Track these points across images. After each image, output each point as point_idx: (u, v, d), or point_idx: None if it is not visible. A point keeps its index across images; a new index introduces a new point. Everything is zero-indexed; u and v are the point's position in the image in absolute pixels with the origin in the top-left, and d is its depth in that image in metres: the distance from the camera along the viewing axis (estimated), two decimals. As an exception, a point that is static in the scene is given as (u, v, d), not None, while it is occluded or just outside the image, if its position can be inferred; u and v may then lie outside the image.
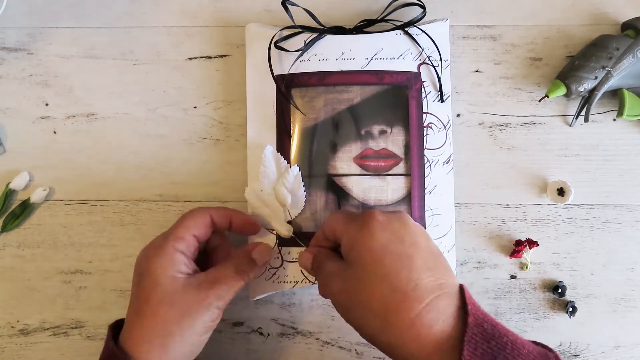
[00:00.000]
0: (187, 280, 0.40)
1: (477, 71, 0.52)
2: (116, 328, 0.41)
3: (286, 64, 0.49)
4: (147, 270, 0.40)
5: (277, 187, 0.48)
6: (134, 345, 0.38)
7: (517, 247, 0.49)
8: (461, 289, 0.36)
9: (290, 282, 0.48)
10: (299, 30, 0.49)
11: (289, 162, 0.49)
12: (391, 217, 0.39)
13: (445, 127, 0.49)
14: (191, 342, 0.39)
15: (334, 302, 0.39)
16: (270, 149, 0.48)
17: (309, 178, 0.49)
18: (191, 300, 0.39)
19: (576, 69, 0.48)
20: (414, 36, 0.49)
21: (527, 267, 0.50)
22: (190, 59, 0.53)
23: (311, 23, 0.50)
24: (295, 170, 0.48)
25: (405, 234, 0.37)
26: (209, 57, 0.53)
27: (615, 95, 0.50)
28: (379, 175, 0.49)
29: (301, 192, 0.48)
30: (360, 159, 0.49)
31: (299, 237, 0.48)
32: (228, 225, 0.45)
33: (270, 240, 0.49)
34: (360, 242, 0.37)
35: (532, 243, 0.49)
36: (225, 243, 0.47)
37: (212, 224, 0.44)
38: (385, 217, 0.39)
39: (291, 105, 0.49)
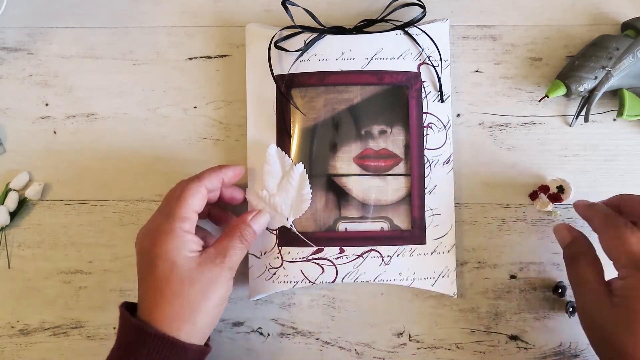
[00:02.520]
0: (201, 258, 0.42)
1: (477, 71, 0.52)
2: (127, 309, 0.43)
3: (286, 64, 0.49)
4: (161, 254, 0.41)
5: (281, 186, 0.48)
6: (165, 325, 0.40)
7: (540, 190, 0.50)
8: None
9: (290, 282, 0.48)
10: (299, 30, 0.49)
11: (289, 162, 0.49)
12: None
13: (445, 127, 0.50)
14: (214, 313, 0.42)
15: (582, 315, 0.41)
16: (274, 147, 0.48)
17: (309, 178, 0.49)
18: (210, 276, 0.41)
19: (576, 69, 0.48)
20: (414, 36, 0.49)
21: (556, 214, 0.51)
22: (190, 59, 0.53)
23: (311, 23, 0.50)
24: (300, 168, 0.48)
25: None
26: (209, 57, 0.53)
27: (615, 95, 0.50)
28: (379, 175, 0.49)
29: (306, 190, 0.48)
30: (360, 159, 0.49)
31: (298, 237, 0.48)
32: (219, 191, 0.47)
33: (270, 240, 0.49)
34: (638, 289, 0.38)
35: (556, 198, 0.50)
36: (219, 210, 0.49)
37: (207, 191, 0.45)
38: None
39: (291, 105, 0.49)
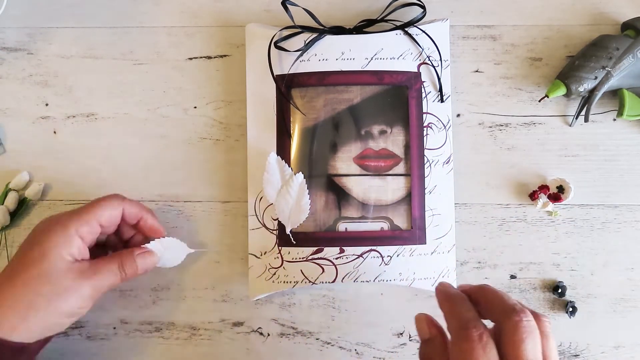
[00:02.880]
0: (72, 265, 0.41)
1: (477, 71, 0.52)
2: None
3: (286, 64, 0.49)
4: (41, 242, 0.41)
5: (280, 196, 0.48)
6: None
7: (540, 190, 0.50)
8: None
9: (290, 282, 0.48)
10: (299, 30, 0.49)
11: (289, 162, 0.49)
12: None
13: (445, 127, 0.50)
14: (53, 321, 0.41)
15: None
16: (275, 156, 0.48)
17: (309, 178, 0.49)
18: (68, 285, 0.40)
19: (576, 69, 0.48)
20: (414, 36, 0.49)
21: (556, 214, 0.51)
22: (190, 59, 0.53)
23: (311, 23, 0.50)
24: (299, 178, 0.48)
25: None
26: (209, 57, 0.53)
27: (615, 95, 0.50)
28: (379, 175, 0.49)
29: (305, 200, 0.48)
30: (360, 159, 0.49)
31: (299, 237, 0.48)
32: (136, 223, 0.46)
33: (270, 240, 0.49)
34: None
35: (556, 198, 0.50)
36: (119, 244, 0.48)
37: (122, 217, 0.45)
38: None
39: (291, 105, 0.49)
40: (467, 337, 0.33)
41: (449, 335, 0.35)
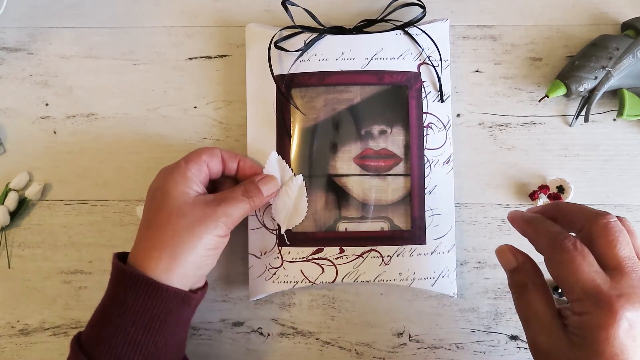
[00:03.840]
0: (197, 197, 0.42)
1: (477, 71, 0.52)
2: (121, 258, 0.43)
3: (286, 64, 0.49)
4: (161, 186, 0.42)
5: (278, 196, 0.48)
6: (142, 258, 0.40)
7: (540, 190, 0.50)
8: None
9: (290, 282, 0.48)
10: (299, 30, 0.49)
11: (289, 162, 0.49)
12: None
13: (445, 127, 0.50)
14: (200, 254, 0.41)
15: (535, 352, 0.35)
16: (275, 155, 0.48)
17: (309, 178, 0.49)
18: (200, 213, 0.41)
19: (576, 69, 0.48)
20: (414, 36, 0.49)
21: None
22: (190, 59, 0.53)
23: (311, 23, 0.50)
24: (299, 180, 0.48)
25: None
26: (209, 57, 0.53)
27: (615, 95, 0.50)
28: (379, 175, 0.49)
29: (303, 202, 0.48)
30: (361, 159, 0.49)
31: (297, 237, 0.48)
32: (235, 168, 0.46)
33: (270, 240, 0.49)
34: (600, 329, 0.31)
35: (556, 198, 0.49)
36: (232, 183, 0.48)
37: (223, 162, 0.45)
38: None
39: (291, 105, 0.49)
40: (562, 248, 0.33)
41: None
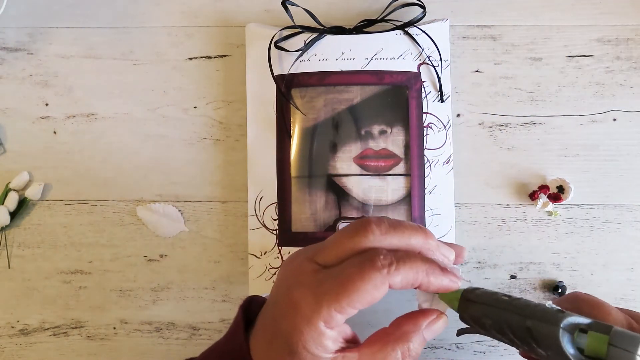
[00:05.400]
0: None
1: (477, 71, 0.52)
2: (246, 310, 0.35)
3: (286, 64, 0.49)
4: (287, 328, 0.31)
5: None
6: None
7: (540, 190, 0.50)
8: None
9: (290, 282, 0.48)
10: (299, 30, 0.49)
11: (289, 162, 0.49)
12: None
13: (445, 127, 0.50)
14: None
15: None
16: None
17: (309, 178, 0.49)
18: None
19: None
20: (414, 36, 0.49)
21: (556, 214, 0.50)
22: (190, 59, 0.53)
23: (311, 23, 0.50)
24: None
25: None
26: (209, 57, 0.53)
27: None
28: (379, 175, 0.49)
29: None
30: (360, 159, 0.49)
31: (297, 237, 0.48)
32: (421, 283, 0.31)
33: (270, 240, 0.49)
34: None
35: (556, 198, 0.49)
36: None
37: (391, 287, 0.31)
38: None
39: (291, 105, 0.49)
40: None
41: None
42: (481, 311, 0.33)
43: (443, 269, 0.31)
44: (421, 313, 0.33)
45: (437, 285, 0.31)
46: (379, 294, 0.29)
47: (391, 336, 0.31)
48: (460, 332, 0.36)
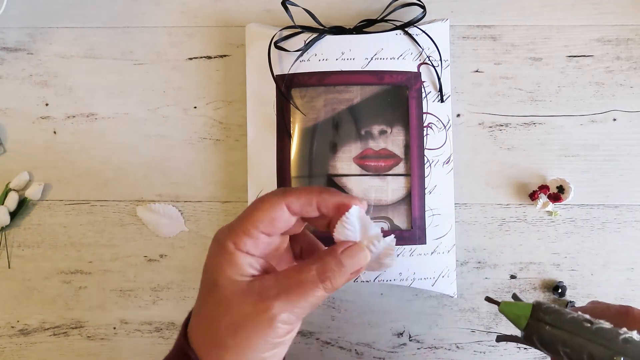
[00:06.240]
0: (250, 284, 0.32)
1: (477, 71, 0.52)
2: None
3: (286, 64, 0.49)
4: (207, 267, 0.34)
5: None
6: (198, 347, 0.33)
7: (540, 190, 0.50)
8: None
9: (290, 282, 0.48)
10: (299, 30, 0.49)
11: (289, 162, 0.49)
12: None
13: (445, 127, 0.50)
14: (248, 356, 0.32)
15: None
16: (357, 211, 0.33)
17: (309, 178, 0.49)
18: (250, 311, 0.31)
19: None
20: (414, 36, 0.49)
21: (556, 214, 0.51)
22: (190, 59, 0.53)
23: (311, 23, 0.50)
24: (388, 241, 0.34)
25: None
26: (209, 57, 0.53)
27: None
28: (379, 175, 0.49)
29: (388, 262, 0.35)
30: (361, 159, 0.49)
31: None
32: (316, 211, 0.33)
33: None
34: None
35: (556, 198, 0.49)
36: (309, 238, 0.38)
37: (293, 213, 0.33)
38: None
39: (291, 105, 0.49)
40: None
41: None
42: (558, 337, 0.31)
43: (337, 191, 0.34)
44: (338, 244, 0.33)
45: (333, 201, 0.33)
46: (277, 213, 0.33)
47: (308, 262, 0.33)
48: (500, 339, 0.34)
